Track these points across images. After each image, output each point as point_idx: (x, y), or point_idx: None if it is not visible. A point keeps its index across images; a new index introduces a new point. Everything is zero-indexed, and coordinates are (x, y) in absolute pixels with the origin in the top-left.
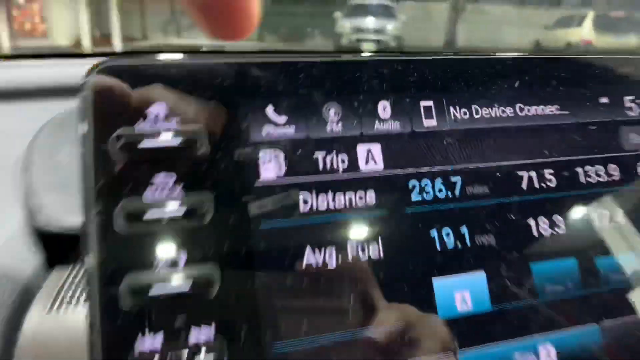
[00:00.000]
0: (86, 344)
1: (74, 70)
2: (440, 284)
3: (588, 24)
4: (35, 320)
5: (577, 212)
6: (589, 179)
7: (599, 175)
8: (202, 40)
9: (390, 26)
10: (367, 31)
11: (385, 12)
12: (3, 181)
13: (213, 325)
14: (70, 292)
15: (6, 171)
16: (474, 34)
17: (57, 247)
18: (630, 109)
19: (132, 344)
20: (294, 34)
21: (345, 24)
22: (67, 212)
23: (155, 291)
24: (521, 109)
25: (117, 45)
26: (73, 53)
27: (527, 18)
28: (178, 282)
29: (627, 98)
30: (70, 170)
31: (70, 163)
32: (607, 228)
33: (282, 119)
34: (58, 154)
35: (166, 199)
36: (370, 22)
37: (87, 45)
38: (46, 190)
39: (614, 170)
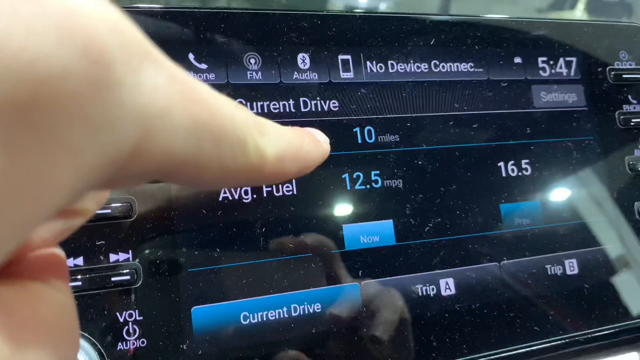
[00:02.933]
0: None
1: None
2: (349, 221)
3: (580, 6)
4: None
5: (486, 161)
6: (498, 132)
7: (508, 129)
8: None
9: (383, 5)
10: (360, 9)
11: None
12: None
13: (130, 250)
14: None
15: None
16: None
17: None
18: (543, 69)
19: None
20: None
21: (337, 3)
22: None
23: None
24: (436, 66)
25: None
26: None
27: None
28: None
29: (541, 59)
30: None
31: None
32: (513, 177)
33: (203, 66)
34: None
35: None
36: (362, 0)
37: None
38: None
39: (523, 124)
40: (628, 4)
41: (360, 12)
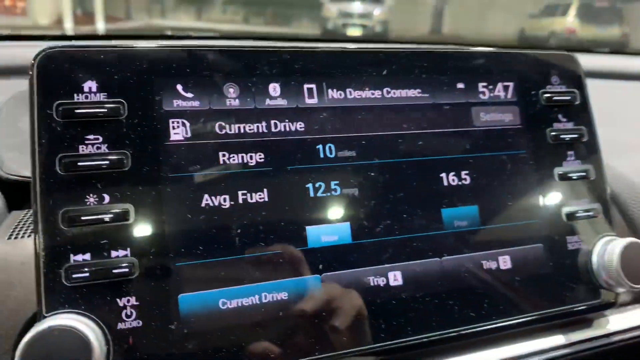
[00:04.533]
0: (34, 258)
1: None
2: (312, 223)
3: (572, 13)
4: None
5: (430, 173)
6: (441, 148)
7: (449, 145)
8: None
9: (377, 11)
10: (353, 16)
11: None
12: None
13: (128, 248)
14: (25, 228)
15: None
16: (460, 21)
17: (15, 196)
18: (483, 93)
19: (67, 257)
20: (279, 18)
21: (331, 9)
22: (25, 166)
23: (84, 220)
24: (388, 92)
25: (100, 25)
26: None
27: (513, 6)
28: (101, 214)
29: (481, 84)
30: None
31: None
32: (454, 186)
33: (189, 94)
34: (19, 122)
35: (94, 152)
36: (356, 6)
37: (68, 24)
38: (8, 149)
39: (463, 141)
40: (618, 9)
41: (323, 48)
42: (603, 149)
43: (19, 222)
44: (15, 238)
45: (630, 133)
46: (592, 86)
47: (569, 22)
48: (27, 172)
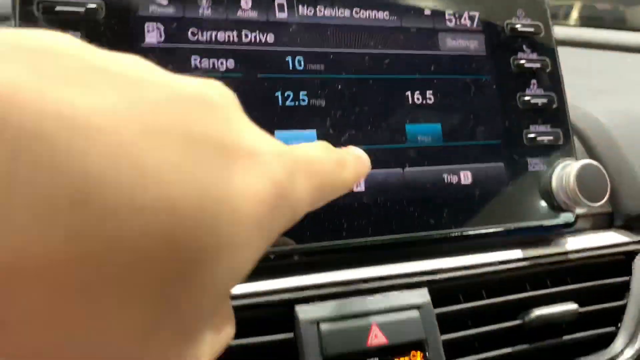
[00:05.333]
0: None
1: None
2: (280, 134)
3: (575, 15)
4: None
5: (395, 90)
6: (407, 68)
7: (415, 66)
8: None
9: None
10: None
11: None
12: None
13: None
14: None
15: None
16: None
17: None
18: (449, 20)
19: None
20: None
21: None
22: None
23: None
24: (357, 12)
25: None
26: None
27: None
28: None
29: (448, 12)
30: None
31: None
32: (418, 104)
33: (164, 2)
34: None
35: None
36: None
37: None
38: None
39: (428, 63)
40: (621, 12)
41: None
42: (576, 95)
43: None
44: None
45: (602, 81)
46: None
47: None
48: None
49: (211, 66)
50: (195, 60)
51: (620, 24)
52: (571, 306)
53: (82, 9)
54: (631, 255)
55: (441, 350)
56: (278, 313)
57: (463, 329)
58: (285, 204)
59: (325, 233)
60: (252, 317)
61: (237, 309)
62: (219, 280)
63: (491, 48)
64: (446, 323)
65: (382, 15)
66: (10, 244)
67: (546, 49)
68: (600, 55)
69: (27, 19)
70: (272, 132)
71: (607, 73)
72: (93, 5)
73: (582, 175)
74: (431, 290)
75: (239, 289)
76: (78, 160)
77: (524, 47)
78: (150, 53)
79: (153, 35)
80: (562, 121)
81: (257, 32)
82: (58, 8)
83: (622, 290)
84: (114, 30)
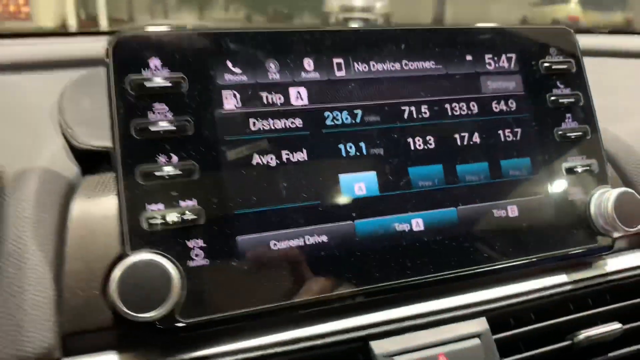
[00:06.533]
0: (118, 209)
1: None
2: (344, 177)
3: (574, 0)
4: (78, 206)
5: (444, 134)
6: (454, 112)
7: (462, 109)
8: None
9: (379, 4)
10: (355, 9)
11: None
12: (45, 121)
13: (195, 199)
14: (99, 188)
15: (45, 113)
16: (462, 11)
17: (87, 163)
18: (489, 64)
19: (145, 207)
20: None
21: (333, 3)
22: (93, 137)
23: (158, 176)
24: (406, 65)
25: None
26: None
27: None
28: (172, 171)
29: (487, 56)
30: (90, 111)
31: (90, 107)
32: (466, 145)
33: (238, 70)
34: (82, 101)
35: (162, 119)
36: (358, 0)
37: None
38: (76, 124)
39: (473, 106)
40: None
41: (348, 28)
42: (602, 116)
43: (96, 183)
44: (94, 197)
45: (628, 101)
46: (594, 63)
47: (572, 9)
48: (96, 142)
49: (283, 126)
50: (269, 122)
51: (621, 6)
52: (616, 326)
53: (168, 83)
54: None
55: None
56: (353, 349)
57: (516, 351)
58: None
59: (393, 273)
60: (330, 353)
61: (316, 347)
62: None
63: (528, 87)
64: (503, 347)
65: (429, 64)
66: None
67: (578, 83)
68: (624, 63)
69: (121, 95)
70: (336, 176)
71: (634, 89)
72: (176, 80)
73: (619, 203)
74: (488, 318)
75: (317, 329)
76: None
77: (558, 83)
78: (229, 117)
79: (231, 101)
80: (596, 151)
81: (319, 90)
82: (147, 84)
83: None
84: (197, 100)
